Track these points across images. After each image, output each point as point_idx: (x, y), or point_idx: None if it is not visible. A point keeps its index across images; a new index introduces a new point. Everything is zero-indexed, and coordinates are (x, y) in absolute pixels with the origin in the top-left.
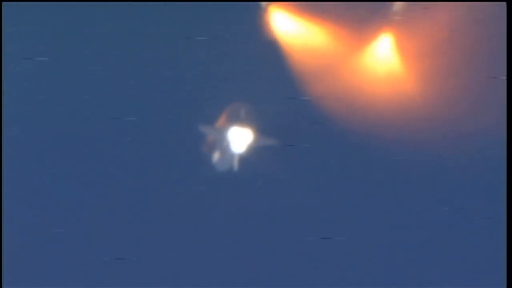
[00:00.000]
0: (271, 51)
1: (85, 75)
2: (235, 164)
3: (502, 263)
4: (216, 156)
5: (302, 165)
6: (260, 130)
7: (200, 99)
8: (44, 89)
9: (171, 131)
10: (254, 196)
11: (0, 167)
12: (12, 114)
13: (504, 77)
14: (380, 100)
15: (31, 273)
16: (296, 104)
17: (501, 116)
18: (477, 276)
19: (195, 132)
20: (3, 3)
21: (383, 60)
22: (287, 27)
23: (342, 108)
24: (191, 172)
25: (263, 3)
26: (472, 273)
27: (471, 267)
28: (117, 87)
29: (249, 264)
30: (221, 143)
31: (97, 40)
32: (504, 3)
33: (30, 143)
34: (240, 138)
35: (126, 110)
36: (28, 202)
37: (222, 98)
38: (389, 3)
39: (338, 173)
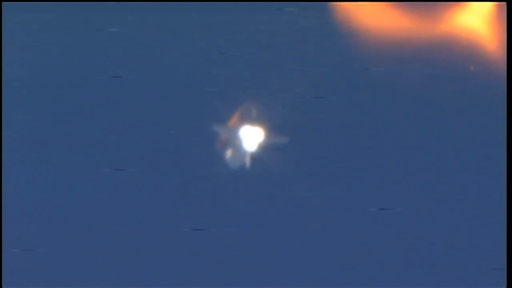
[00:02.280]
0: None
1: (89, 75)
2: (247, 161)
3: (502, 263)
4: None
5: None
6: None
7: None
8: (44, 88)
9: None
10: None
11: (0, 166)
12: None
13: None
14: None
15: (32, 273)
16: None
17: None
18: (477, 276)
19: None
20: (3, 3)
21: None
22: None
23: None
24: (202, 169)
25: None
26: (472, 273)
27: (470, 267)
28: (133, 85)
29: (257, 263)
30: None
31: (103, 40)
32: (504, 3)
33: (30, 143)
34: None
35: (144, 107)
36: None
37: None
38: None
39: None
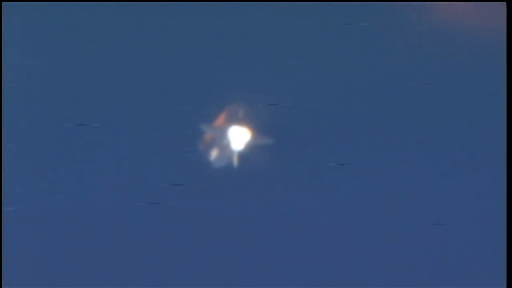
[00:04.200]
0: None
1: (85, 74)
2: (234, 161)
3: (502, 263)
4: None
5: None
6: None
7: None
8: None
9: None
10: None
11: (0, 166)
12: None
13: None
14: None
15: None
16: None
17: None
18: (477, 276)
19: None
20: (3, 3)
21: None
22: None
23: None
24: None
25: None
26: (472, 273)
27: (470, 267)
28: (116, 85)
29: (247, 264)
30: None
31: (98, 39)
32: (504, 3)
33: (30, 143)
34: None
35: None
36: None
37: None
38: None
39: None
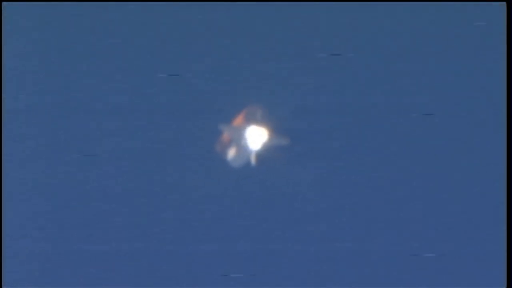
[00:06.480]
0: None
1: (87, 75)
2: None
3: (502, 263)
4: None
5: None
6: None
7: None
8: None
9: None
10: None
11: (0, 166)
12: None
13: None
14: None
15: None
16: None
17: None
18: (477, 276)
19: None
20: (3, 3)
21: None
22: None
23: None
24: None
25: None
26: (472, 273)
27: (470, 266)
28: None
29: (258, 261)
30: None
31: (103, 38)
32: (504, 3)
33: (33, 140)
34: None
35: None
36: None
37: None
38: None
39: None
